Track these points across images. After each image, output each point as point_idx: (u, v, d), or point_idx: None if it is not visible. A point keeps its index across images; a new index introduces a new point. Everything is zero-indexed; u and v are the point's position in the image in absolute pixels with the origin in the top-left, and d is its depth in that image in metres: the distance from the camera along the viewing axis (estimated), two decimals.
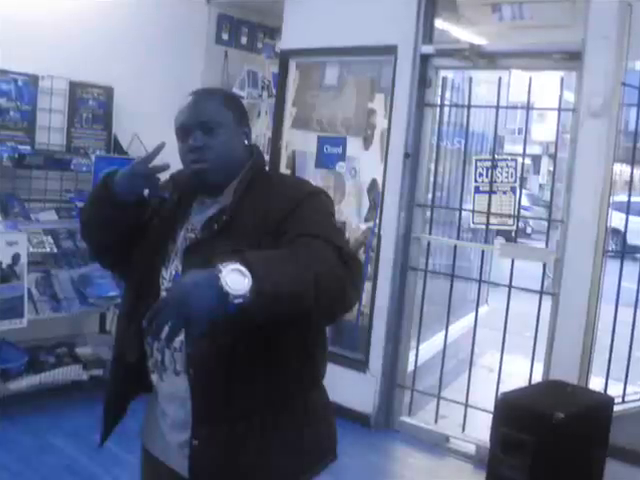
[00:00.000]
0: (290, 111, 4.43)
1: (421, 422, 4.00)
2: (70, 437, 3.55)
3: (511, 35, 3.90)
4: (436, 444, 3.85)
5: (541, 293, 3.66)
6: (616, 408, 3.13)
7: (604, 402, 3.09)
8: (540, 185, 19.89)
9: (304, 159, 4.34)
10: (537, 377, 3.55)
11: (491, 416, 3.07)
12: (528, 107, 3.91)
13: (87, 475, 3.25)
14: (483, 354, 4.92)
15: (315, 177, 4.18)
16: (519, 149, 4.05)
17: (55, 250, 3.92)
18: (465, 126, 3.99)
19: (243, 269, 1.22)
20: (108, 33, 4.18)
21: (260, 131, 4.61)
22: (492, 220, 3.79)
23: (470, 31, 4.02)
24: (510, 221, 3.78)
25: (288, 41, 4.36)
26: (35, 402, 3.83)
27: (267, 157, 4.26)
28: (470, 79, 3.93)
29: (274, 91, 4.57)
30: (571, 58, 3.44)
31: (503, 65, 3.85)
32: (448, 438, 3.85)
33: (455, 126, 4.34)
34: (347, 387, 3.75)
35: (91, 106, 4.20)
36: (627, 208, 3.60)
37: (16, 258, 3.58)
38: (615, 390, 3.46)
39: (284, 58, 4.41)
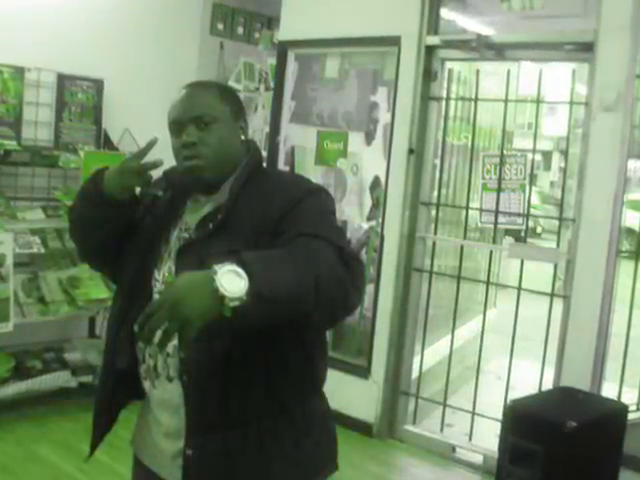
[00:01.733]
0: (289, 105, 4.40)
1: (426, 431, 3.96)
2: (57, 446, 3.52)
3: (520, 25, 3.86)
4: (442, 454, 3.81)
5: (552, 295, 3.61)
6: (630, 416, 3.08)
7: (618, 410, 3.06)
8: (551, 182, 19.98)
9: (303, 155, 4.32)
10: (547, 384, 3.51)
11: (499, 425, 3.05)
12: (538, 101, 3.84)
13: None
14: (491, 359, 4.90)
15: (315, 174, 4.16)
16: (529, 145, 4.01)
17: (42, 250, 3.89)
18: (472, 121, 3.95)
19: (239, 270, 1.19)
20: (98, 23, 4.17)
21: (257, 126, 4.59)
22: (500, 219, 3.75)
23: (477, 21, 3.98)
24: (519, 220, 3.74)
25: (287, 31, 4.32)
26: (21, 409, 3.82)
27: (265, 153, 4.26)
28: (477, 71, 3.88)
29: (272, 84, 4.54)
30: (583, 49, 3.40)
31: (512, 57, 3.82)
32: (454, 448, 3.81)
33: (462, 121, 4.32)
34: (348, 394, 3.74)
35: (80, 100, 4.16)
36: None
37: (1, 259, 3.56)
38: (629, 397, 3.45)
39: (282, 49, 4.37)
